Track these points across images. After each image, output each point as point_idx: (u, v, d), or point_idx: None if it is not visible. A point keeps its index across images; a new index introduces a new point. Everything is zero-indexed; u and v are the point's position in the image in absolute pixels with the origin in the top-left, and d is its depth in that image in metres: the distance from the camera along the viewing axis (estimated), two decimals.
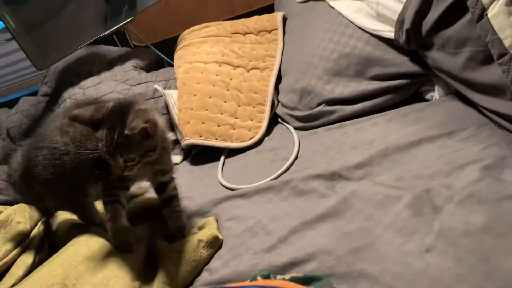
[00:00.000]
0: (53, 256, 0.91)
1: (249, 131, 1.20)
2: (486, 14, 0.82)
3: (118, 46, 1.58)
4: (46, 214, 1.14)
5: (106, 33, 1.37)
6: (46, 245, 1.04)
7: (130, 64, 1.37)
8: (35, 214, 1.11)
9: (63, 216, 1.10)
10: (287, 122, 1.22)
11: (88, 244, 0.91)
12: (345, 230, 0.84)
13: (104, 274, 0.84)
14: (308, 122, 1.17)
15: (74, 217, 1.05)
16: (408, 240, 0.77)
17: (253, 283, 0.58)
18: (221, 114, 1.21)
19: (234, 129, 1.20)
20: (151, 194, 1.02)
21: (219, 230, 0.94)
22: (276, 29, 1.35)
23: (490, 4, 0.81)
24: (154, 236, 0.94)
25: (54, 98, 1.33)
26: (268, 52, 1.31)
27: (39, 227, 1.08)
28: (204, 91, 1.23)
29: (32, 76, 1.95)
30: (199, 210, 1.02)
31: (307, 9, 1.28)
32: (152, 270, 0.87)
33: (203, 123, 1.19)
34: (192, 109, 1.20)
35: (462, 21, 0.90)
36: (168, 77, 1.35)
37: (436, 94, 1.06)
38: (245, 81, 1.26)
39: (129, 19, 1.38)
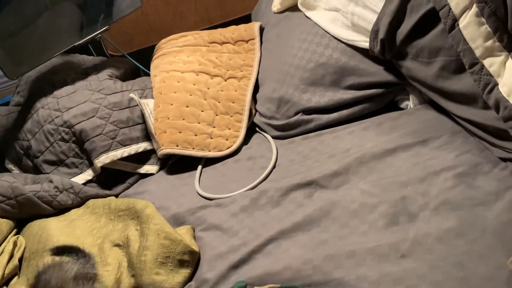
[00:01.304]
0: None
1: (227, 140, 1.20)
2: (458, 25, 0.83)
3: (94, 56, 1.56)
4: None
5: (81, 41, 1.35)
6: (16, 258, 1.01)
7: (105, 73, 1.35)
8: (4, 227, 1.07)
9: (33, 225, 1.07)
10: (264, 131, 1.22)
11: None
12: (320, 238, 0.84)
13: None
14: (285, 131, 1.17)
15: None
16: (384, 247, 0.77)
17: None
18: (198, 123, 1.20)
19: (211, 138, 1.19)
20: None
21: (195, 239, 0.93)
22: (253, 38, 1.35)
23: (461, 15, 0.83)
24: None
25: (26, 107, 1.29)
26: (245, 62, 1.32)
27: (9, 241, 1.05)
28: (181, 100, 1.22)
29: (4, 86, 1.91)
30: (176, 220, 1.00)
31: (284, 20, 1.29)
32: None
33: (180, 132, 1.18)
34: (168, 118, 1.19)
35: (434, 31, 0.91)
36: (144, 86, 1.34)
37: (410, 103, 1.08)
38: (222, 90, 1.26)
39: (104, 28, 1.37)
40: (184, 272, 0.87)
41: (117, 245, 0.94)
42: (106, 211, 1.04)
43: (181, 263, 0.87)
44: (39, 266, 0.88)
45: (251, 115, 1.25)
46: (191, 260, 0.88)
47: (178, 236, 0.88)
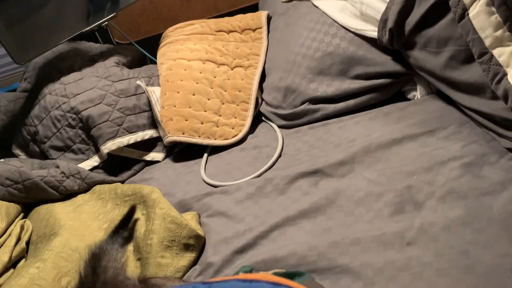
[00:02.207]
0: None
1: (233, 128, 1.20)
2: (467, 14, 0.83)
3: (100, 43, 1.56)
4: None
5: (88, 28, 1.35)
6: (23, 241, 1.02)
7: (112, 60, 1.35)
8: (12, 210, 1.08)
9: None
10: (270, 121, 1.22)
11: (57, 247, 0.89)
12: (326, 226, 0.84)
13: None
14: (291, 121, 1.17)
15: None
16: (389, 235, 0.77)
17: (235, 277, 0.58)
18: (205, 111, 1.20)
19: (217, 126, 1.19)
20: None
21: (200, 225, 0.94)
22: (260, 27, 1.35)
23: (471, 4, 0.82)
24: None
25: (33, 93, 1.30)
26: (252, 51, 1.31)
27: (16, 224, 1.06)
28: (188, 88, 1.22)
29: (12, 73, 1.92)
30: (181, 206, 1.01)
31: (291, 8, 1.28)
32: None
33: (186, 120, 1.18)
34: (175, 106, 1.19)
35: (444, 21, 0.91)
36: (150, 74, 1.34)
37: (418, 93, 1.08)
38: (229, 79, 1.26)
39: (111, 15, 1.36)
40: (189, 256, 0.88)
41: None
42: (113, 196, 1.05)
43: (186, 247, 0.88)
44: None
45: (257, 104, 1.25)
46: (196, 244, 0.89)
47: (184, 221, 0.88)
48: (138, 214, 0.94)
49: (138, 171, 1.22)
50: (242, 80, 1.26)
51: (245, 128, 1.20)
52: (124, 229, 0.85)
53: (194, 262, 0.89)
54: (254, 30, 1.35)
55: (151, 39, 1.54)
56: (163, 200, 0.93)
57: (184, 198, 1.02)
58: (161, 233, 0.87)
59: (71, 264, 0.86)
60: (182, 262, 0.87)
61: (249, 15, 1.39)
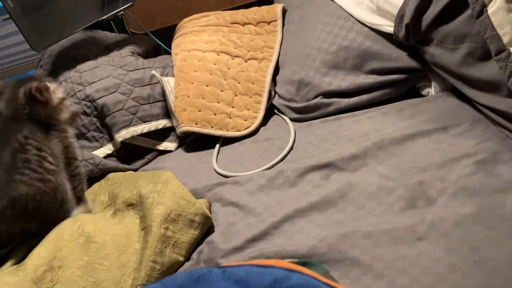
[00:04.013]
0: (40, 242, 0.91)
1: (245, 120, 1.20)
2: (486, 11, 0.82)
3: (116, 33, 1.57)
4: None
5: (104, 17, 1.36)
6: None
7: (127, 49, 1.36)
8: None
9: None
10: (283, 114, 1.22)
11: (71, 229, 0.91)
12: (337, 218, 0.84)
13: (89, 257, 0.85)
14: (304, 114, 1.17)
15: None
16: (400, 229, 0.77)
17: (249, 262, 0.59)
18: (218, 102, 1.21)
19: (230, 118, 1.20)
20: None
21: (210, 211, 0.95)
22: (275, 20, 1.35)
23: (490, 1, 0.82)
24: None
25: None
26: (266, 43, 1.32)
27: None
28: (201, 79, 1.23)
29: (27, 61, 1.94)
30: (193, 195, 1.01)
31: (307, 2, 1.28)
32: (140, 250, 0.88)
33: (200, 111, 1.19)
34: (188, 97, 1.20)
35: (461, 17, 0.90)
36: (165, 65, 1.35)
37: (432, 90, 1.07)
38: (242, 71, 1.26)
39: (128, 4, 1.37)
40: (192, 234, 0.89)
41: (130, 205, 0.96)
42: (126, 179, 1.07)
43: (191, 223, 0.90)
44: None
45: (270, 97, 1.26)
46: (201, 223, 0.90)
47: (193, 198, 0.91)
48: (147, 187, 0.96)
49: (151, 160, 1.23)
50: (256, 72, 1.26)
51: (258, 120, 1.21)
52: None
53: (197, 243, 0.91)
54: (269, 23, 1.35)
55: (166, 29, 1.54)
56: (175, 180, 0.96)
57: (196, 187, 1.03)
58: (169, 206, 0.89)
59: None
60: (184, 238, 0.88)
61: (264, 7, 1.40)
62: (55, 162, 0.98)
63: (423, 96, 1.09)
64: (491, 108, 0.89)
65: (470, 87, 0.93)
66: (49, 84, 1.03)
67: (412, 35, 0.99)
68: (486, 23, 0.82)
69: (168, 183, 0.95)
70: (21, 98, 0.97)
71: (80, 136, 1.22)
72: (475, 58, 0.89)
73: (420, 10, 0.96)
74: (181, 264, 0.89)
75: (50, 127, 1.01)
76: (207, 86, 1.22)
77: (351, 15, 1.13)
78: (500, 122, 0.88)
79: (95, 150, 1.22)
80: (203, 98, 1.21)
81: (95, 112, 1.21)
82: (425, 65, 1.04)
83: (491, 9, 0.81)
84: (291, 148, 1.09)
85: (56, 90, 1.05)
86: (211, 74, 1.24)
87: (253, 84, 1.24)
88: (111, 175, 1.14)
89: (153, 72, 1.24)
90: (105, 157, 1.21)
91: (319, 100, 1.14)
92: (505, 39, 0.81)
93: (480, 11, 0.83)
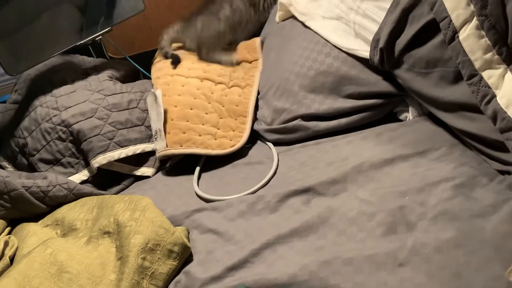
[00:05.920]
0: (7, 270, 0.87)
1: (231, 140, 1.19)
2: (458, 37, 0.84)
3: (94, 57, 1.55)
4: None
5: (82, 42, 1.35)
6: (6, 257, 0.99)
7: (105, 74, 1.34)
8: None
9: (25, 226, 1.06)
10: (264, 138, 1.22)
11: (42, 256, 0.87)
12: (317, 245, 0.83)
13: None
14: (283, 134, 1.17)
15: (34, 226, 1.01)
16: (382, 255, 0.76)
17: None
18: (203, 124, 1.20)
19: (215, 139, 1.19)
20: None
21: (188, 240, 0.93)
22: (257, 60, 1.37)
23: (461, 27, 0.84)
24: None
25: (24, 105, 1.29)
26: (249, 74, 1.33)
27: (0, 240, 1.03)
28: (185, 103, 1.22)
29: (1, 85, 1.90)
30: (171, 222, 0.99)
31: (286, 27, 1.30)
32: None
33: (184, 133, 1.17)
34: (172, 120, 1.19)
35: (433, 42, 0.92)
36: (144, 89, 1.34)
37: (410, 114, 1.09)
38: (226, 95, 1.26)
39: (106, 29, 1.37)
40: (171, 264, 0.87)
41: (107, 233, 0.93)
42: (99, 202, 1.04)
43: (170, 254, 0.87)
44: None
45: (255, 119, 1.26)
46: (180, 253, 0.88)
47: (172, 227, 0.88)
48: (124, 215, 0.93)
49: (127, 186, 1.21)
50: (240, 96, 1.27)
51: (243, 139, 1.20)
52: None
53: (175, 273, 0.88)
54: (250, 62, 1.38)
55: (145, 54, 1.54)
56: (154, 207, 0.93)
57: (174, 214, 1.01)
58: (147, 235, 0.87)
59: None
60: (162, 269, 0.86)
61: (243, 47, 1.41)
62: None
63: (401, 120, 1.10)
64: (466, 132, 0.90)
65: (444, 111, 0.95)
66: None
67: (387, 59, 1.01)
68: (458, 49, 0.84)
69: (146, 211, 0.92)
70: None
71: (55, 162, 1.19)
72: (448, 82, 0.91)
73: (394, 34, 0.98)
74: None
75: None
76: (191, 109, 1.21)
77: (328, 41, 1.14)
78: (475, 146, 0.90)
79: (70, 176, 1.18)
80: (187, 121, 1.19)
81: (71, 138, 1.18)
82: (402, 90, 1.06)
83: (462, 35, 0.83)
84: (275, 173, 1.08)
85: None
86: (195, 98, 1.23)
87: (237, 106, 1.24)
88: (83, 199, 1.11)
89: (156, 92, 1.20)
90: (80, 183, 1.18)
91: (298, 122, 1.14)
92: (477, 64, 0.82)
93: (452, 37, 0.85)
